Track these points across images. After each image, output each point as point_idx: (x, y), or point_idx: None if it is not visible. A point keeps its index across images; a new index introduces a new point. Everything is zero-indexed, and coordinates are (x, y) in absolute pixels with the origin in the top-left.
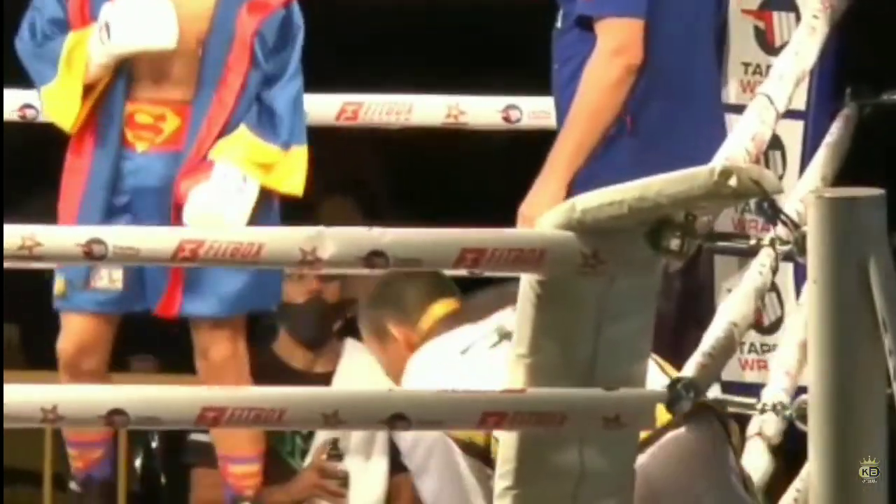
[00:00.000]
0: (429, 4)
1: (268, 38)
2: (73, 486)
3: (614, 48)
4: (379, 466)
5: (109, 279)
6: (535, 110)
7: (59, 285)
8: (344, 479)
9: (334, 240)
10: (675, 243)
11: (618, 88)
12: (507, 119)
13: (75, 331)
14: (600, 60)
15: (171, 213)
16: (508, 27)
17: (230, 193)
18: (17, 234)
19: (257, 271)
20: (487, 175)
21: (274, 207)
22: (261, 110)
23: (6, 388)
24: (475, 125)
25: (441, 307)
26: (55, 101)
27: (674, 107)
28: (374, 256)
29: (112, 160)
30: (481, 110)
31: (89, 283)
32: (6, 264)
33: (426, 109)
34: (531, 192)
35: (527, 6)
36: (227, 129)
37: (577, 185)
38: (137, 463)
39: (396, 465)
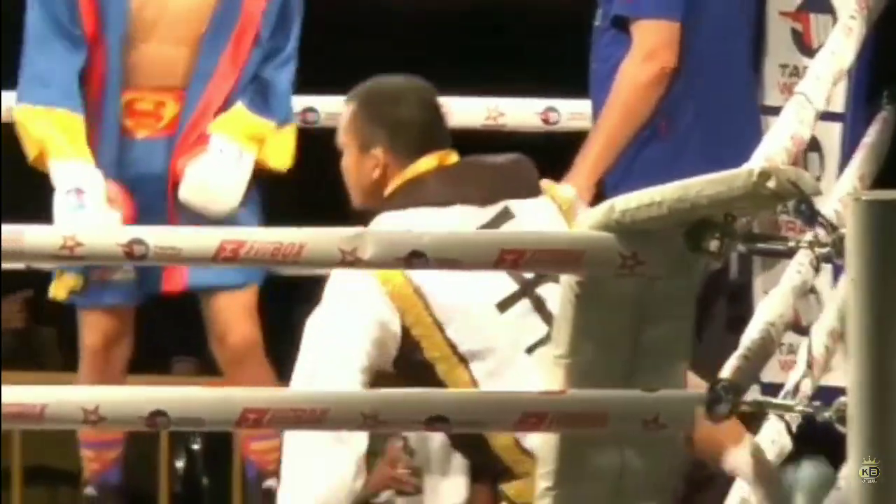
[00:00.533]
0: (469, 5)
1: (270, 16)
2: (89, 490)
3: (648, 50)
4: (458, 481)
5: (123, 270)
6: (573, 112)
7: (71, 282)
8: (416, 471)
9: (374, 240)
10: (713, 244)
11: (650, 90)
12: (545, 121)
13: (101, 325)
14: (634, 62)
15: (171, 195)
16: (546, 27)
17: (227, 168)
18: (59, 233)
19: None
20: None
21: (256, 186)
22: (257, 87)
23: (48, 389)
24: (514, 127)
25: (429, 161)
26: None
27: (709, 109)
28: (414, 257)
29: (116, 148)
30: (520, 112)
31: (105, 276)
32: (45, 265)
33: (465, 111)
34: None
35: (565, 5)
36: (226, 107)
37: (611, 186)
38: (179, 465)
39: (474, 477)
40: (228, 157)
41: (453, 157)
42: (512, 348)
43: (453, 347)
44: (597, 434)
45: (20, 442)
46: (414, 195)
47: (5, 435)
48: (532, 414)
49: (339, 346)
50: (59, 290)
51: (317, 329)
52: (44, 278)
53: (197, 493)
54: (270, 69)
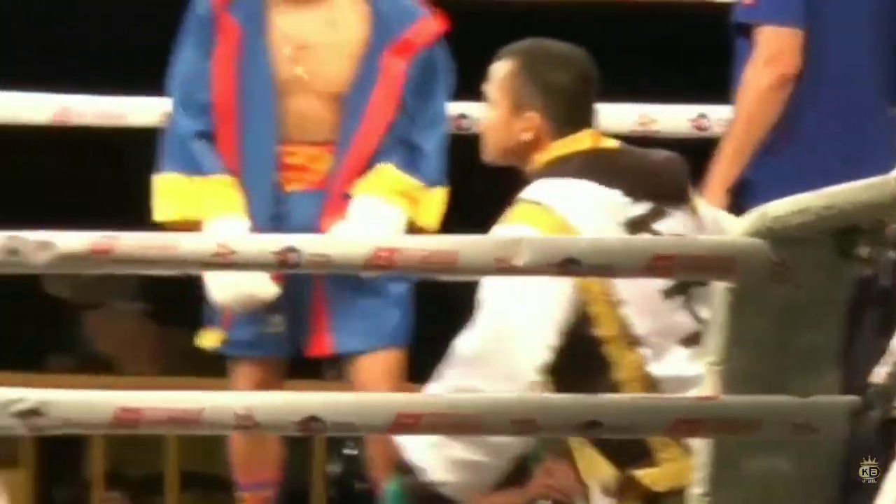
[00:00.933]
0: (618, 11)
1: (411, 80)
2: None
3: (767, 57)
4: None
5: (274, 324)
6: (721, 118)
7: (214, 337)
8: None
9: (530, 247)
10: (864, 251)
11: (771, 96)
12: (698, 127)
13: (250, 376)
14: (754, 69)
15: None
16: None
17: (369, 225)
18: (212, 241)
19: (407, 303)
20: None
21: None
22: (405, 149)
23: (204, 394)
24: (666, 133)
25: (588, 139)
26: (169, 194)
27: (834, 114)
28: (568, 263)
29: (269, 202)
30: (672, 118)
31: (256, 331)
32: (201, 270)
33: (615, 117)
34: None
35: (715, 10)
36: (370, 166)
37: (742, 192)
38: (332, 470)
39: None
40: (371, 215)
41: (608, 140)
42: (670, 337)
43: (627, 328)
44: (750, 440)
45: (176, 447)
46: (575, 169)
47: (160, 440)
48: (685, 419)
49: (530, 322)
50: (205, 340)
51: (506, 299)
52: (187, 282)
53: (350, 497)
54: (416, 132)
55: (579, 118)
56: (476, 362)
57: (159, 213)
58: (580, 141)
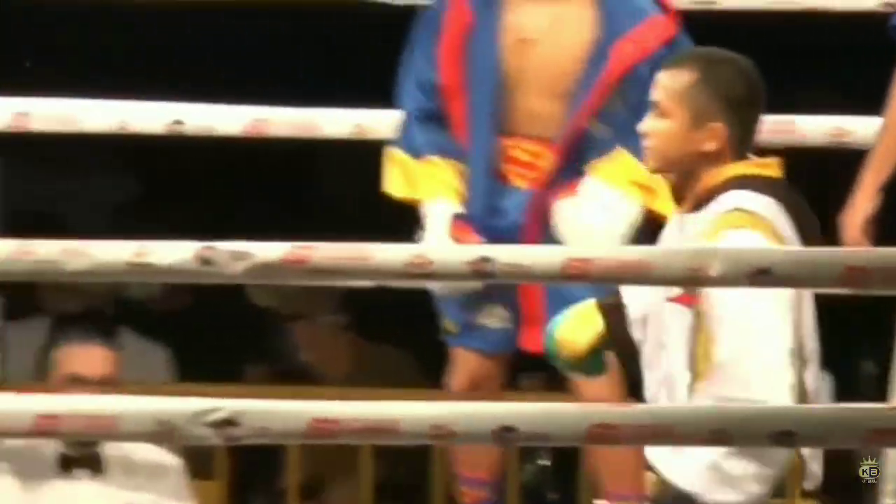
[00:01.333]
0: (801, 22)
1: (644, 75)
2: None
3: None
4: None
5: (495, 316)
6: None
7: (448, 324)
8: None
9: (723, 257)
10: None
11: None
12: None
13: (468, 367)
14: None
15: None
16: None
17: (599, 208)
18: (407, 252)
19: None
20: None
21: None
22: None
23: (400, 404)
24: (860, 145)
25: (779, 166)
26: (395, 170)
27: None
28: (761, 274)
29: (486, 194)
30: (868, 130)
31: (476, 321)
32: (397, 282)
33: (811, 128)
34: (848, 204)
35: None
36: (575, 149)
37: None
38: (526, 479)
39: None
40: (601, 198)
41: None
42: (810, 355)
43: (803, 347)
44: None
45: (373, 457)
46: (770, 190)
47: (356, 451)
48: (879, 430)
49: (775, 330)
50: (445, 327)
51: (749, 310)
52: (397, 297)
53: None
54: None
55: (754, 128)
56: (732, 373)
57: (389, 186)
58: (770, 166)
